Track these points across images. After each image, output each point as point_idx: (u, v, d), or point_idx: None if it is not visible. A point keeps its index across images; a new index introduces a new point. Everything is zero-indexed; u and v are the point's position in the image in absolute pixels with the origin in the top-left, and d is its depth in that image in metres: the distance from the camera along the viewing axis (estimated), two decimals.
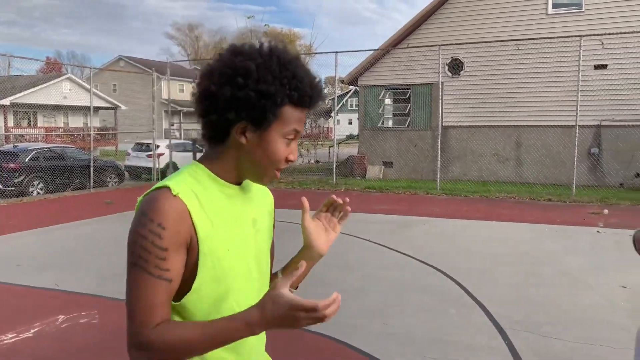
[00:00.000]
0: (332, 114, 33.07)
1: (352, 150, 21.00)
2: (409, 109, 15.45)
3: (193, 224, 1.07)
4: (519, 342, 3.80)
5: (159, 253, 1.03)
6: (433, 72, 13.83)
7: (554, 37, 12.44)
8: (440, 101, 13.80)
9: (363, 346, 3.75)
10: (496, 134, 14.20)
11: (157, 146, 15.47)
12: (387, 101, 16.14)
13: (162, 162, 15.32)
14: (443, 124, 13.78)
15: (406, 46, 14.82)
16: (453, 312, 4.42)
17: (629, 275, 5.39)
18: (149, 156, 15.62)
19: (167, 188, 1.07)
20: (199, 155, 17.76)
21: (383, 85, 15.67)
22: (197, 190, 1.10)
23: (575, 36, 11.69)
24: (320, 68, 15.59)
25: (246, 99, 1.07)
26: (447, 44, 13.51)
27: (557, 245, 6.97)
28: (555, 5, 13.60)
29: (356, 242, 7.27)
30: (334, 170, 14.48)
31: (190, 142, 17.71)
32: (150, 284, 1.03)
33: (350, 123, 51.03)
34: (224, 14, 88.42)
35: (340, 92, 50.98)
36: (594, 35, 11.85)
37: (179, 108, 31.53)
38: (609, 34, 11.75)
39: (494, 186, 12.94)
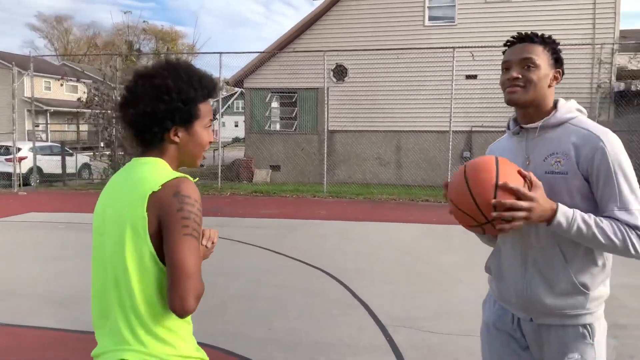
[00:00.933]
0: (217, 116, 32.31)
1: (238, 153, 20.70)
2: (296, 113, 15.54)
3: None
4: (400, 337, 3.88)
5: (200, 227, 1.37)
6: (318, 77, 14.04)
7: (430, 48, 13.21)
8: (326, 106, 14.01)
9: (247, 353, 3.60)
10: (378, 139, 14.74)
11: (19, 149, 14.03)
12: (274, 104, 16.10)
13: (25, 166, 13.92)
14: (329, 128, 14.03)
15: (292, 50, 14.90)
16: (337, 312, 4.42)
17: None
18: (8, 160, 14.11)
19: (186, 178, 1.38)
20: (69, 158, 16.20)
21: (269, 88, 15.60)
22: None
23: (449, 47, 12.51)
24: (205, 68, 15.14)
25: (176, 108, 1.40)
26: (332, 50, 13.79)
27: (434, 244, 7.33)
28: (431, 18, 14.46)
29: (242, 247, 7.08)
30: (219, 174, 14.11)
31: (58, 144, 16.31)
32: (198, 249, 1.35)
33: (236, 126, 50.33)
34: (97, 7, 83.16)
35: (225, 93, 50.14)
36: (465, 47, 12.76)
37: (45, 107, 28.99)
38: (479, 46, 12.73)
39: (376, 188, 13.39)
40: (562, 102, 1.71)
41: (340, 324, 4.15)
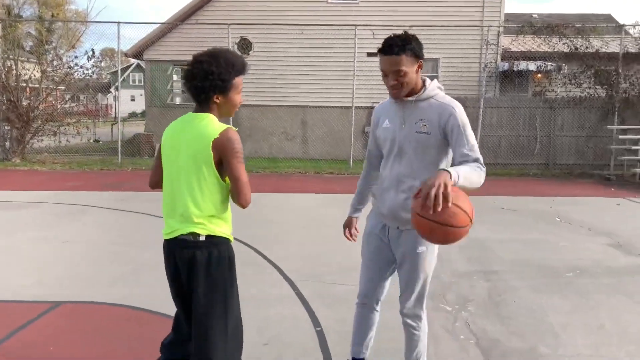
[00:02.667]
0: (112, 89, 30.52)
1: (136, 129, 19.99)
2: None
3: None
4: (307, 290, 4.20)
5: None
6: None
7: (332, 25, 13.55)
8: None
9: (163, 309, 3.73)
10: (284, 113, 14.94)
11: None
12: (176, 77, 15.69)
13: None
14: None
15: (195, 22, 14.57)
16: (249, 273, 4.64)
17: None
18: None
19: (231, 128, 2.22)
20: None
21: (171, 61, 15.18)
22: None
23: (351, 25, 12.93)
24: (100, 39, 14.35)
25: (216, 84, 2.20)
26: (236, 23, 13.69)
27: (338, 211, 7.73)
28: None
29: (150, 219, 7.04)
30: (119, 149, 13.61)
31: None
32: (245, 170, 2.24)
33: (132, 100, 47.78)
34: None
35: (120, 65, 47.58)
36: (367, 25, 13.25)
37: None
38: (379, 25, 13.27)
39: (283, 162, 13.65)
40: (428, 82, 2.41)
41: (253, 282, 4.38)
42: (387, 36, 2.39)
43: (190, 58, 2.26)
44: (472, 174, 2.19)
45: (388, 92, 2.41)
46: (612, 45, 12.71)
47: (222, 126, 2.20)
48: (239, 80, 2.26)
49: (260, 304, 3.91)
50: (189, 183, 2.23)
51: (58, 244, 5.61)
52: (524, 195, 9.31)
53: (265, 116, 14.92)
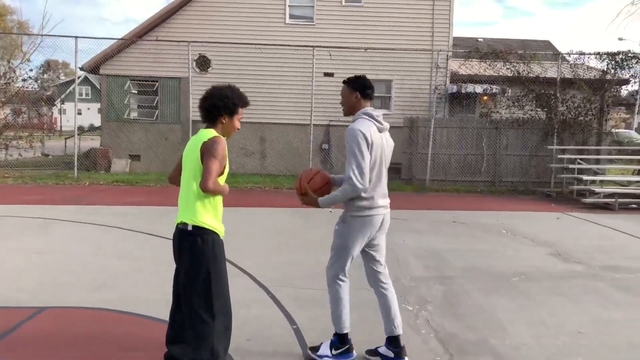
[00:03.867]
0: (57, 103, 29.74)
1: (86, 144, 19.72)
2: (157, 102, 15.35)
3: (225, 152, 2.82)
4: (280, 294, 4.52)
5: (220, 156, 2.75)
6: (181, 67, 14.10)
7: (291, 45, 14.01)
8: (190, 96, 14.08)
9: (148, 312, 3.95)
10: (243, 130, 15.16)
11: None
12: (134, 92, 15.69)
13: None
14: (193, 118, 14.13)
15: (155, 39, 14.70)
16: None
17: None
18: None
19: (219, 136, 2.83)
20: None
21: (129, 76, 15.21)
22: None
23: (309, 46, 13.42)
24: (55, 52, 14.15)
25: (228, 106, 2.87)
26: (196, 41, 13.93)
27: (301, 223, 8.09)
28: (292, 17, 15.27)
29: (118, 232, 7.16)
30: (75, 163, 13.48)
31: None
32: (216, 164, 2.72)
33: (79, 114, 46.66)
34: None
35: (64, 78, 46.20)
36: (324, 47, 13.78)
37: None
38: (335, 47, 13.84)
39: (242, 178, 13.87)
40: (358, 111, 3.31)
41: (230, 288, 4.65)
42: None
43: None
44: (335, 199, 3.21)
45: (343, 112, 3.41)
46: (551, 71, 13.74)
47: (215, 134, 2.81)
48: (242, 110, 2.94)
49: (238, 305, 4.19)
50: (187, 180, 2.83)
51: (31, 255, 5.69)
52: (473, 210, 9.95)
53: None
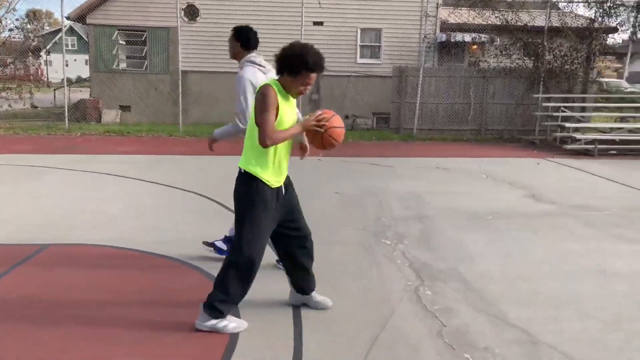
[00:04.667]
0: (42, 54, 29.31)
1: (75, 95, 19.68)
2: (146, 52, 15.28)
3: (278, 100, 2.82)
4: None
5: (265, 104, 2.80)
6: (170, 16, 13.98)
7: None
8: (179, 45, 14.02)
9: (145, 248, 4.27)
10: (233, 79, 15.18)
11: None
12: (122, 42, 15.57)
13: None
14: (182, 69, 14.13)
15: None
16: (216, 222, 5.22)
17: (338, 186, 7.04)
18: None
19: (269, 84, 2.84)
20: None
21: (116, 25, 15.06)
22: (277, 88, 2.86)
23: None
24: (39, 0, 13.92)
25: (289, 65, 2.83)
26: None
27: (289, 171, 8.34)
28: None
29: (111, 178, 7.41)
30: (66, 114, 13.56)
31: None
32: (265, 113, 2.79)
33: (67, 65, 45.86)
34: None
35: (49, 28, 45.08)
36: None
37: None
38: None
39: None
40: (242, 59, 3.99)
41: (219, 228, 4.98)
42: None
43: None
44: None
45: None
46: (539, 20, 13.77)
47: (268, 84, 2.84)
48: (308, 74, 2.82)
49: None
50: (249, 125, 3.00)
51: (29, 199, 5.96)
52: (457, 157, 10.25)
53: (214, 82, 15.14)
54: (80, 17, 15.25)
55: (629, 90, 25.57)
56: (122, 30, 15.15)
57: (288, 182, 3.16)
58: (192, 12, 14.96)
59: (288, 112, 2.90)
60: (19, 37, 14.93)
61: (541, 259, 4.36)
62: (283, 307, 3.29)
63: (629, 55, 28.05)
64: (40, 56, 31.39)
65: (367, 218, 5.51)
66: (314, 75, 2.84)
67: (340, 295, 3.49)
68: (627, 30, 13.99)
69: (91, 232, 4.80)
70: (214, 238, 4.28)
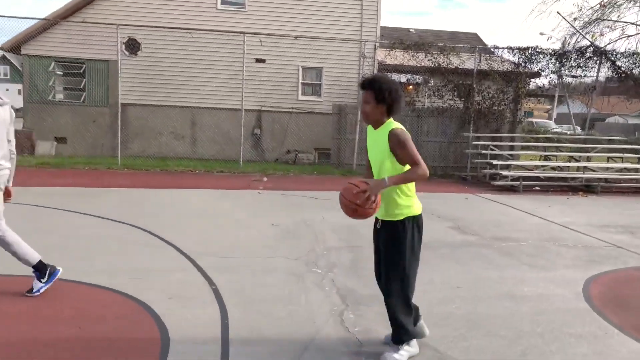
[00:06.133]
0: None
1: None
2: (84, 84, 15.10)
3: None
4: (203, 262, 4.94)
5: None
6: (110, 50, 13.96)
7: (222, 31, 14.21)
8: (119, 79, 13.96)
9: (81, 278, 4.26)
10: (174, 113, 15.25)
11: None
12: (59, 73, 15.32)
13: None
14: (122, 102, 14.05)
15: (81, 21, 14.41)
16: (147, 251, 5.27)
17: (276, 218, 7.21)
18: None
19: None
20: None
21: (53, 57, 14.85)
22: None
23: (240, 32, 13.68)
24: None
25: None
26: (125, 25, 13.82)
27: (228, 204, 8.48)
28: (223, 2, 15.39)
29: (47, 211, 7.27)
30: None
31: None
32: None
33: None
34: None
35: None
36: (255, 33, 14.08)
37: None
38: (266, 34, 14.17)
39: (172, 161, 13.98)
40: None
41: (152, 258, 5.03)
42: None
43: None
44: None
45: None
46: (469, 63, 14.75)
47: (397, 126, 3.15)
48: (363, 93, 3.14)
49: (162, 273, 4.59)
50: (380, 165, 3.21)
51: None
52: None
53: (154, 116, 15.11)
54: (14, 47, 14.94)
55: (554, 130, 27.52)
56: (59, 61, 14.95)
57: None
58: (133, 46, 15.00)
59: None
60: None
61: (459, 284, 4.69)
62: (212, 329, 3.40)
63: (556, 98, 30.11)
64: None
65: (302, 248, 5.70)
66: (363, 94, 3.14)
67: (267, 318, 3.64)
68: (548, 75, 15.19)
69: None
70: (143, 268, 4.34)
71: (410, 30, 26.48)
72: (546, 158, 14.73)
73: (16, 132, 13.89)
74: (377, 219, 3.29)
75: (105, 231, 6.16)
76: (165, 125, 15.23)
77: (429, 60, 14.59)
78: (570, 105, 15.99)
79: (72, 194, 8.68)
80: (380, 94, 3.10)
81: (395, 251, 3.17)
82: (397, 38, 15.99)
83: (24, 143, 14.67)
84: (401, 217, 3.14)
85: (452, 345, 3.35)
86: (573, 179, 12.60)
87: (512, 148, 14.36)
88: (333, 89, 15.74)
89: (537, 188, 12.13)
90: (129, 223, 6.55)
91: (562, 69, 14.62)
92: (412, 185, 3.20)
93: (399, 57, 15.17)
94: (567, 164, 13.57)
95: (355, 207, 3.03)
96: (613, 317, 4.05)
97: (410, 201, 3.17)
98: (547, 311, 4.11)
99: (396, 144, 3.04)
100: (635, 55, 14.62)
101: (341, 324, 3.65)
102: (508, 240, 6.53)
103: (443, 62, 14.50)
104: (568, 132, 21.61)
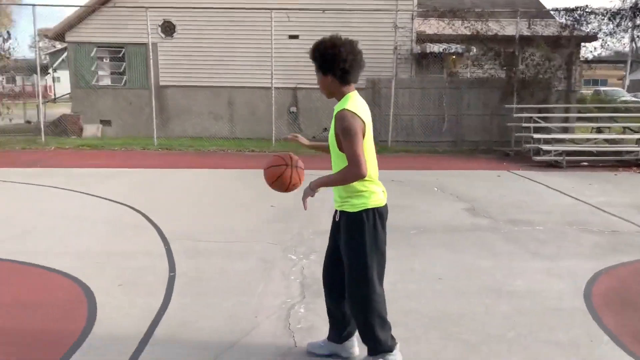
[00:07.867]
0: (50, 71, 30.08)
1: (61, 110, 19.93)
2: (124, 68, 15.40)
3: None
4: (176, 246, 4.82)
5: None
6: (146, 33, 14.10)
7: (249, 8, 14.00)
8: (156, 61, 14.09)
9: (62, 267, 4.26)
10: (210, 94, 15.30)
11: None
12: (101, 57, 15.70)
13: None
14: (160, 84, 14.22)
15: (112, 5, 14.62)
16: (130, 234, 5.22)
17: (281, 199, 6.99)
18: None
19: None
20: None
21: (94, 43, 15.21)
22: None
23: (266, 9, 13.42)
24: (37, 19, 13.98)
25: None
26: (154, 7, 13.87)
27: (240, 184, 8.35)
28: None
29: (54, 191, 7.42)
30: (42, 128, 13.69)
31: None
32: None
33: (58, 81, 46.49)
34: None
35: (54, 47, 45.80)
36: (281, 9, 13.75)
37: None
38: (294, 9, 13.82)
39: (208, 141, 14.06)
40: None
41: (127, 240, 4.98)
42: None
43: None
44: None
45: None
46: (509, 30, 13.72)
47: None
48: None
49: (126, 257, 4.52)
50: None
51: None
52: (419, 170, 10.18)
53: (191, 97, 15.22)
54: (59, 35, 15.43)
55: (622, 99, 25.34)
56: (100, 46, 15.30)
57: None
58: (168, 28, 15.08)
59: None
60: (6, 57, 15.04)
61: (442, 275, 4.30)
62: (142, 322, 3.25)
63: (628, 63, 27.86)
64: (49, 73, 31.96)
65: (288, 232, 5.47)
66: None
67: (209, 310, 3.46)
68: (602, 38, 13.90)
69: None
70: (118, 251, 4.26)
71: None
72: (599, 130, 13.58)
73: (65, 116, 14.49)
74: (336, 211, 2.89)
75: (97, 213, 6.18)
76: (203, 105, 15.30)
77: (465, 27, 13.66)
78: None
79: (89, 175, 8.81)
80: (323, 62, 2.66)
81: (354, 246, 2.75)
82: (447, 4, 15.05)
83: (71, 127, 15.25)
84: (361, 208, 2.72)
85: (402, 349, 2.99)
86: (628, 152, 11.52)
87: (565, 120, 13.32)
88: (368, 63, 15.14)
89: (584, 163, 11.19)
90: (127, 204, 6.55)
91: (617, 30, 13.28)
92: (373, 170, 2.74)
93: (432, 25, 14.36)
94: (622, 136, 12.43)
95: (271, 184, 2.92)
96: (609, 321, 3.50)
97: (370, 187, 2.72)
98: (530, 312, 3.63)
99: (339, 129, 2.56)
100: None
101: (285, 319, 3.40)
102: (522, 224, 5.98)
103: (481, 29, 13.54)
104: None
